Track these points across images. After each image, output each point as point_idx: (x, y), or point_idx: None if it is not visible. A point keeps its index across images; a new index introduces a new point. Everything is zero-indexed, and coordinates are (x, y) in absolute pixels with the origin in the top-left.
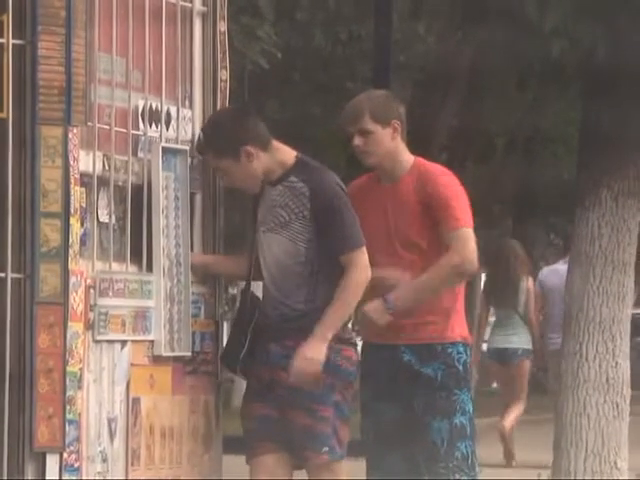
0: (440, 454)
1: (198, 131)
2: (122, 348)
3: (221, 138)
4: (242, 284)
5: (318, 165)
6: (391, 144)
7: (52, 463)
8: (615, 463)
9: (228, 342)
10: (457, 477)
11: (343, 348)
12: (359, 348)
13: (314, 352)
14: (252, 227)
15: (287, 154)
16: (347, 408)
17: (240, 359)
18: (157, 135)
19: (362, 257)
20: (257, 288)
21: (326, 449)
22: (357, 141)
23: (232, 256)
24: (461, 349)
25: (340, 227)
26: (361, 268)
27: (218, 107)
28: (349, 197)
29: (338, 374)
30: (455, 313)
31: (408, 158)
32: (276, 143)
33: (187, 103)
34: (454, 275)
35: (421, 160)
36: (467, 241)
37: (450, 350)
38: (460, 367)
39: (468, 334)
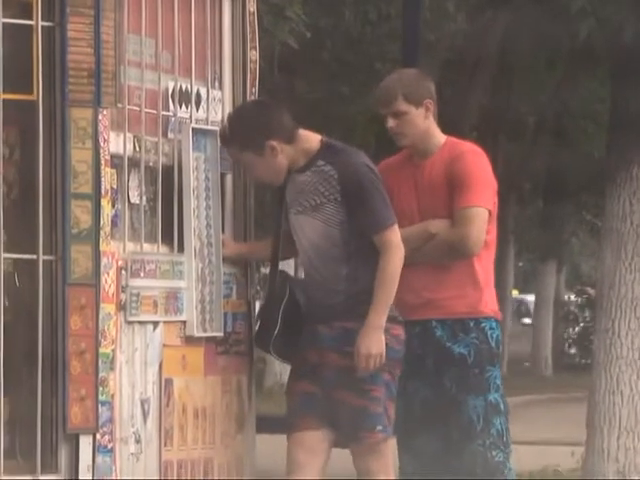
0: (476, 432)
1: (228, 112)
2: (154, 329)
3: (246, 132)
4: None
5: (344, 146)
6: (424, 124)
7: (85, 444)
8: None
9: (260, 323)
10: (493, 454)
11: (391, 327)
12: None
13: (374, 346)
14: (279, 209)
15: (312, 141)
16: (395, 387)
17: (273, 339)
18: (187, 116)
19: (394, 236)
20: (285, 267)
21: (380, 427)
22: (391, 123)
23: (265, 240)
24: (494, 324)
25: (370, 207)
26: (394, 248)
27: (248, 88)
28: (380, 175)
29: (387, 354)
30: (487, 287)
31: (440, 137)
32: (301, 132)
33: (217, 84)
34: (449, 251)
35: (453, 139)
36: (473, 220)
37: (483, 325)
38: (492, 343)
39: (498, 309)
